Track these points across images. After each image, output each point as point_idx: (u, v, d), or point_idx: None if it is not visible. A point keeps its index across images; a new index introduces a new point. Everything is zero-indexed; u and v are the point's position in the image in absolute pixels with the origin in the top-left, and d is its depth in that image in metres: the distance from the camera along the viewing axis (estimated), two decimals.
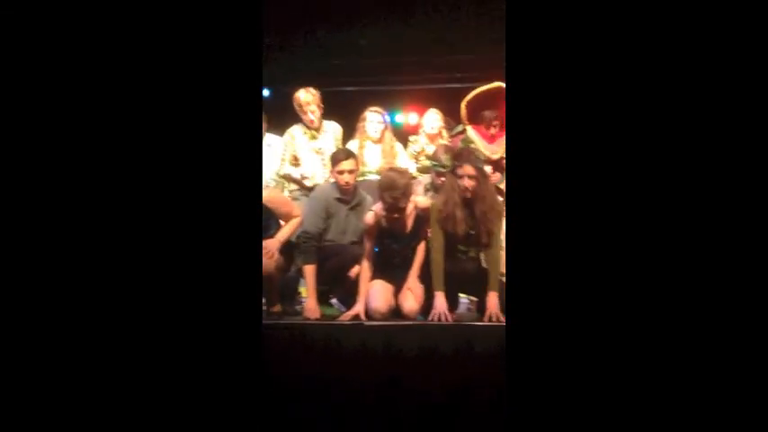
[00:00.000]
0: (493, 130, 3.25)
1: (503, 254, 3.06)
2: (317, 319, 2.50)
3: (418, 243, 2.58)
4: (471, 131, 3.28)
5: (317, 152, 3.34)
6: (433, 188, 3.14)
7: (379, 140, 3.44)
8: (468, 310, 3.01)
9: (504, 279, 3.23)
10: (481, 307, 2.57)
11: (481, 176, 2.56)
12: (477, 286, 2.59)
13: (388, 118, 3.60)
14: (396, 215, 2.49)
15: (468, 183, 2.49)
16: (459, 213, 2.49)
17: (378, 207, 2.58)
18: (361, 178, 3.12)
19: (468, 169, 2.52)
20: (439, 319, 2.39)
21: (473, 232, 2.54)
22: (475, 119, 3.28)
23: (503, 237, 3.22)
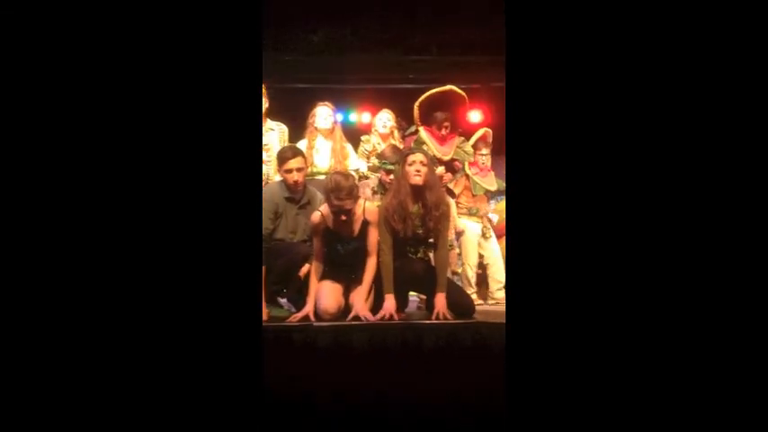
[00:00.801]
0: (444, 131, 3.32)
1: (452, 254, 3.13)
2: (264, 321, 2.45)
3: (366, 246, 2.57)
4: (423, 133, 3.34)
5: (264, 149, 3.30)
6: (382, 188, 3.16)
7: (330, 134, 3.43)
8: (419, 308, 3.03)
9: (453, 278, 3.35)
10: (429, 305, 2.59)
11: (431, 168, 2.59)
12: (427, 286, 2.61)
13: (340, 116, 3.59)
14: (343, 217, 2.48)
15: (418, 169, 2.50)
16: (408, 206, 2.49)
17: (324, 208, 2.56)
18: (310, 178, 3.09)
19: (418, 157, 2.55)
20: (388, 319, 2.39)
21: (421, 231, 2.55)
22: (427, 120, 3.34)
23: (451, 237, 3.32)
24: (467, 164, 3.67)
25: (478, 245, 3.72)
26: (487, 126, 4.00)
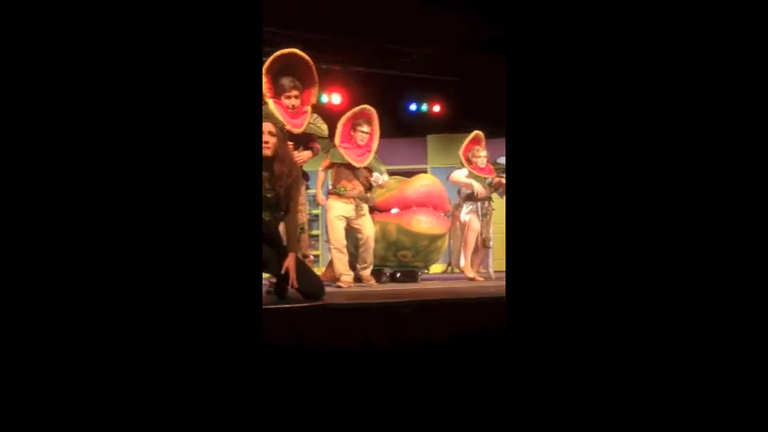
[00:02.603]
0: (293, 102, 3.18)
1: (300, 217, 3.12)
2: None
3: None
4: (272, 105, 3.19)
5: None
6: None
7: None
8: (268, 292, 2.91)
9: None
10: (279, 288, 2.61)
11: (281, 136, 2.61)
12: (275, 252, 2.61)
13: None
14: None
15: (266, 140, 2.51)
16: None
17: None
18: None
19: (267, 126, 2.55)
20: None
21: (270, 195, 2.57)
22: (276, 91, 3.18)
23: (302, 200, 3.27)
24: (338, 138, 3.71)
25: (350, 223, 3.72)
26: (344, 109, 4.02)
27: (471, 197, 4.27)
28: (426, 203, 4.22)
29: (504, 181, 4.28)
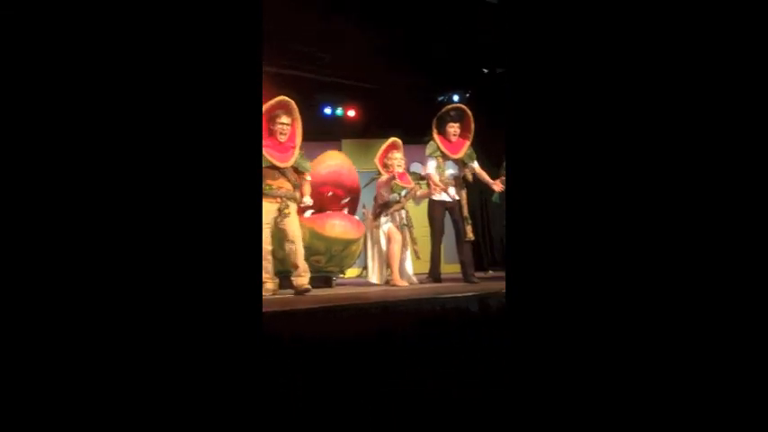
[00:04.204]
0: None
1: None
2: None
3: None
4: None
5: None
6: None
7: None
8: None
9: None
10: None
11: None
12: None
13: None
14: None
15: None
16: None
17: None
18: None
19: None
20: None
21: None
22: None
23: None
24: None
25: (276, 223, 3.64)
26: None
27: (387, 206, 4.28)
28: (336, 180, 4.16)
29: (428, 191, 4.29)
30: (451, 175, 4.36)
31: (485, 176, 4.43)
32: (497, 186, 4.37)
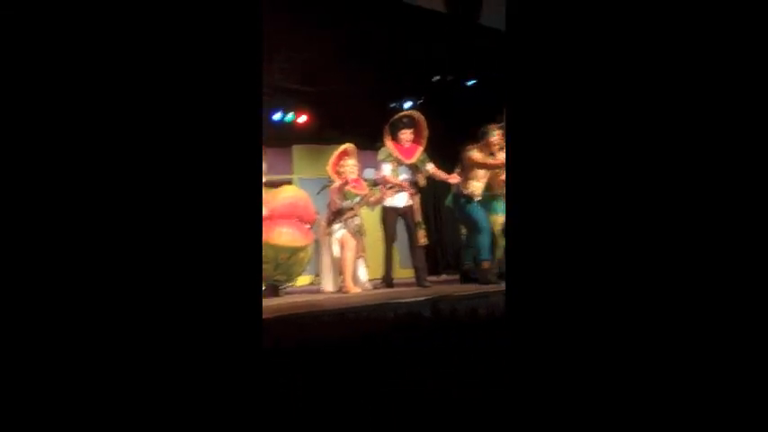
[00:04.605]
0: None
1: None
2: None
3: None
4: None
5: None
6: None
7: None
8: None
9: None
10: None
11: None
12: None
13: None
14: None
15: None
16: None
17: None
18: None
19: None
20: None
21: None
22: None
23: None
24: None
25: None
26: None
27: (341, 212, 4.24)
28: (291, 215, 4.13)
29: (382, 196, 4.28)
30: (405, 179, 4.36)
31: (441, 174, 4.45)
32: (454, 179, 4.37)
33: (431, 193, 5.27)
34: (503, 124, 4.22)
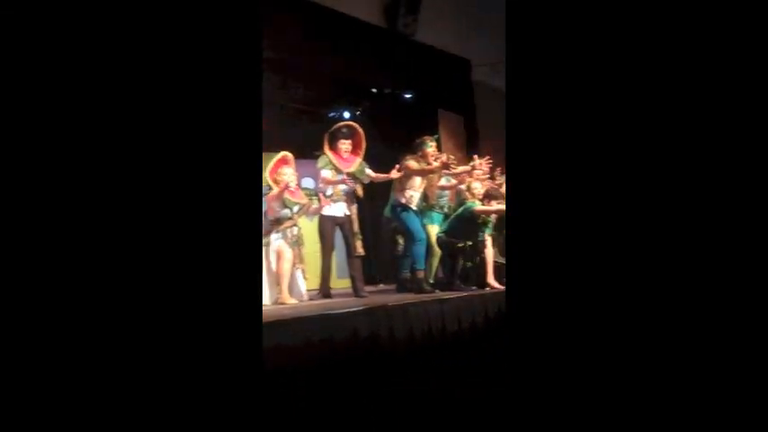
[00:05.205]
0: None
1: None
2: None
3: None
4: None
5: None
6: None
7: None
8: None
9: None
10: None
11: None
12: None
13: None
14: None
15: None
16: None
17: None
18: None
19: None
20: None
21: None
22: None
23: None
24: None
25: None
26: None
27: (279, 221, 4.20)
28: None
29: (321, 206, 4.28)
30: (343, 190, 4.39)
31: (381, 176, 4.49)
32: (395, 173, 4.42)
33: (368, 203, 5.33)
34: (437, 136, 4.31)
